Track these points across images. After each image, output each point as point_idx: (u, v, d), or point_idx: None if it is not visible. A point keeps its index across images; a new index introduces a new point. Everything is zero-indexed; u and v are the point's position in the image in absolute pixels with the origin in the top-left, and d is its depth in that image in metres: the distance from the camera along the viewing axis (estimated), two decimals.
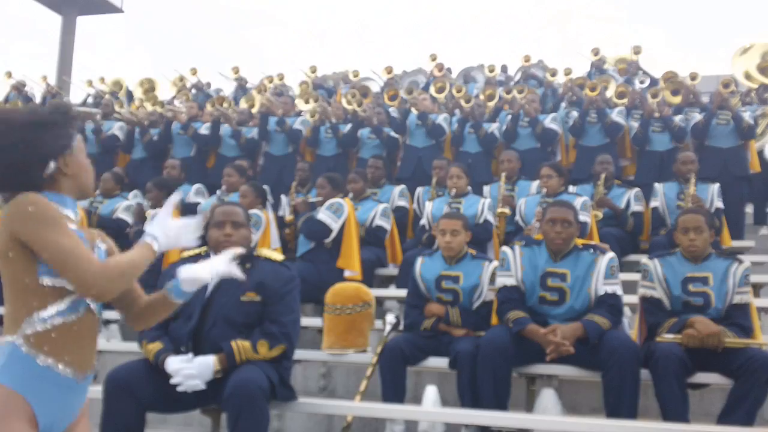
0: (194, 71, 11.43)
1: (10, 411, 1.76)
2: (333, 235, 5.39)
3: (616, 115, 7.37)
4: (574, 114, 7.53)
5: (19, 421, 1.77)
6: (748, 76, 8.16)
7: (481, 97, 8.53)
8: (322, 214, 5.43)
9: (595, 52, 10.45)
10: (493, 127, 7.55)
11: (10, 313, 1.86)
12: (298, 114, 8.57)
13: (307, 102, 8.57)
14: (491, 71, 10.54)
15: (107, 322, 5.75)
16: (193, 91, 11.03)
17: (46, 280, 1.84)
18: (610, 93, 8.20)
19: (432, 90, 8.93)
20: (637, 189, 6.26)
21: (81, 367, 1.91)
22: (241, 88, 11.13)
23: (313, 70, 11.33)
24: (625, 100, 7.86)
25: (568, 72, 9.28)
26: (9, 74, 11.36)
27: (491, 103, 8.41)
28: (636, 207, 6.10)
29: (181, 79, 11.24)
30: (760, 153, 7.18)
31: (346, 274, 5.29)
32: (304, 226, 5.52)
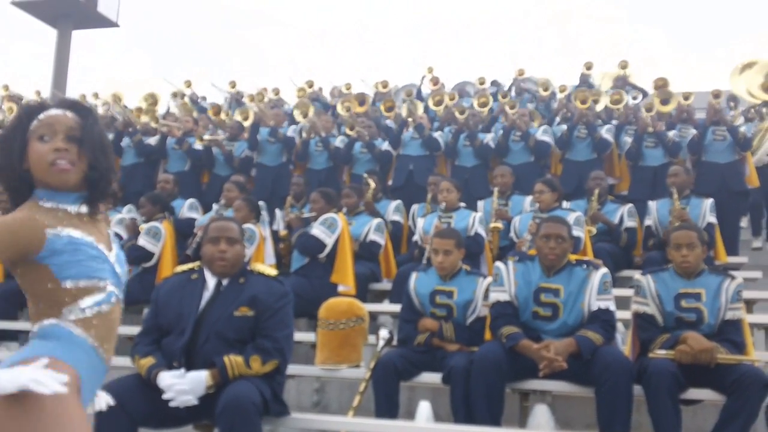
0: (188, 83, 11.42)
1: (74, 390, 1.76)
2: (327, 250, 5.40)
3: (605, 132, 7.41)
4: (563, 127, 7.57)
5: (79, 401, 1.78)
6: (750, 95, 8.19)
7: (475, 103, 8.50)
8: (316, 229, 5.44)
9: (588, 66, 10.46)
10: (488, 138, 7.57)
11: (41, 309, 1.84)
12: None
13: (305, 116, 8.55)
14: (482, 83, 10.55)
15: None
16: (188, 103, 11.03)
17: (69, 283, 1.83)
18: (601, 106, 8.21)
19: (430, 103, 8.93)
20: (630, 205, 6.29)
21: (109, 354, 1.93)
22: (237, 101, 11.14)
23: (310, 84, 11.35)
24: (620, 106, 7.89)
25: (562, 89, 9.26)
26: (6, 87, 11.30)
27: (485, 110, 8.41)
28: (629, 223, 6.12)
29: (176, 94, 11.22)
30: (758, 167, 7.20)
31: (340, 288, 5.30)
32: (298, 241, 5.52)
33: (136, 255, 5.85)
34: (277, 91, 11.05)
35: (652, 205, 6.08)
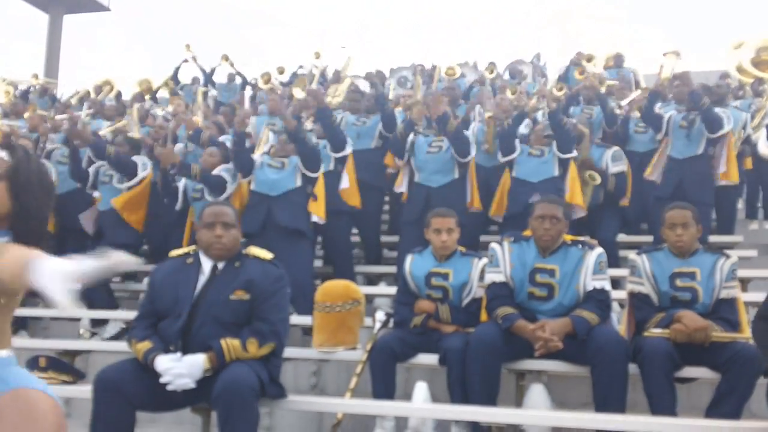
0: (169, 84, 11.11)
1: None
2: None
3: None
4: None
5: None
6: (740, 70, 8.10)
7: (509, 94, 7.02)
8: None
9: (581, 71, 9.34)
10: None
11: None
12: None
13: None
14: (491, 72, 9.90)
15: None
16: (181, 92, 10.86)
17: None
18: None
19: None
20: (616, 148, 6.26)
21: None
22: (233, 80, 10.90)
23: (281, 71, 10.70)
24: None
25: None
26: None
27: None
28: (616, 167, 6.11)
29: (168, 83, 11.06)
30: (755, 147, 7.13)
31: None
32: None
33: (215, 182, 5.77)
34: (281, 70, 10.68)
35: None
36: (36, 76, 12.07)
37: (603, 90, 7.54)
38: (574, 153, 5.81)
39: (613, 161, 6.16)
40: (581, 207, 5.71)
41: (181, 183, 6.02)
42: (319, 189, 5.64)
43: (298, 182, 5.54)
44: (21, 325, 5.95)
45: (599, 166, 6.09)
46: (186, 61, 11.12)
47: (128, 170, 6.10)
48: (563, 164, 5.77)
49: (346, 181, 5.93)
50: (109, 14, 22.93)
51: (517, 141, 5.93)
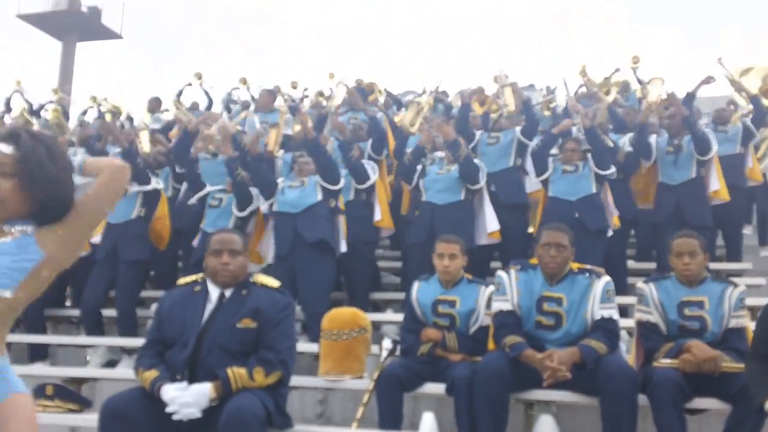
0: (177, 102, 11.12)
1: None
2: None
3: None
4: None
5: None
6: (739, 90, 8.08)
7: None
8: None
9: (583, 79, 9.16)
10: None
11: None
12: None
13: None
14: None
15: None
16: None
17: None
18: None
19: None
20: (631, 134, 6.35)
21: None
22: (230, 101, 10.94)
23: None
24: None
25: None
26: (18, 82, 11.33)
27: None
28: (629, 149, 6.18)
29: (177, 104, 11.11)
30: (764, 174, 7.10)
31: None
32: None
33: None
34: (294, 85, 10.60)
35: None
36: (56, 91, 12.16)
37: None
38: (613, 169, 5.73)
39: (629, 144, 6.22)
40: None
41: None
42: (381, 197, 5.88)
43: (319, 196, 5.56)
44: (41, 354, 5.92)
45: (617, 145, 6.18)
46: (190, 84, 11.10)
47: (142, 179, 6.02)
48: (600, 180, 5.67)
49: (379, 213, 6.00)
50: (122, 41, 23.21)
51: (550, 159, 5.83)
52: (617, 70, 9.11)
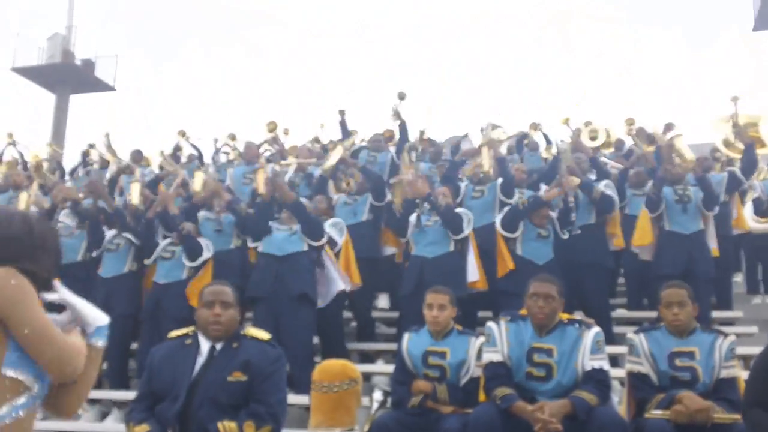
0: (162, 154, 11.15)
1: None
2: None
3: (604, 187, 6.30)
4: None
5: None
6: (728, 145, 8.14)
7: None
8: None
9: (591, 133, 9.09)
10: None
11: None
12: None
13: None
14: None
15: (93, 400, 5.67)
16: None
17: (10, 372, 1.69)
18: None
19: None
20: (608, 181, 6.43)
21: None
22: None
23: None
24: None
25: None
26: (10, 135, 11.40)
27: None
28: (609, 191, 6.18)
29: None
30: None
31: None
32: None
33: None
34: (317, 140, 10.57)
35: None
36: (51, 145, 12.25)
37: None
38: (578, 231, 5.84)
39: (606, 186, 6.25)
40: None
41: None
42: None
43: (305, 247, 5.59)
44: None
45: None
46: (180, 149, 11.09)
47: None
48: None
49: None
50: (115, 93, 23.42)
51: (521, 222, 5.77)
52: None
